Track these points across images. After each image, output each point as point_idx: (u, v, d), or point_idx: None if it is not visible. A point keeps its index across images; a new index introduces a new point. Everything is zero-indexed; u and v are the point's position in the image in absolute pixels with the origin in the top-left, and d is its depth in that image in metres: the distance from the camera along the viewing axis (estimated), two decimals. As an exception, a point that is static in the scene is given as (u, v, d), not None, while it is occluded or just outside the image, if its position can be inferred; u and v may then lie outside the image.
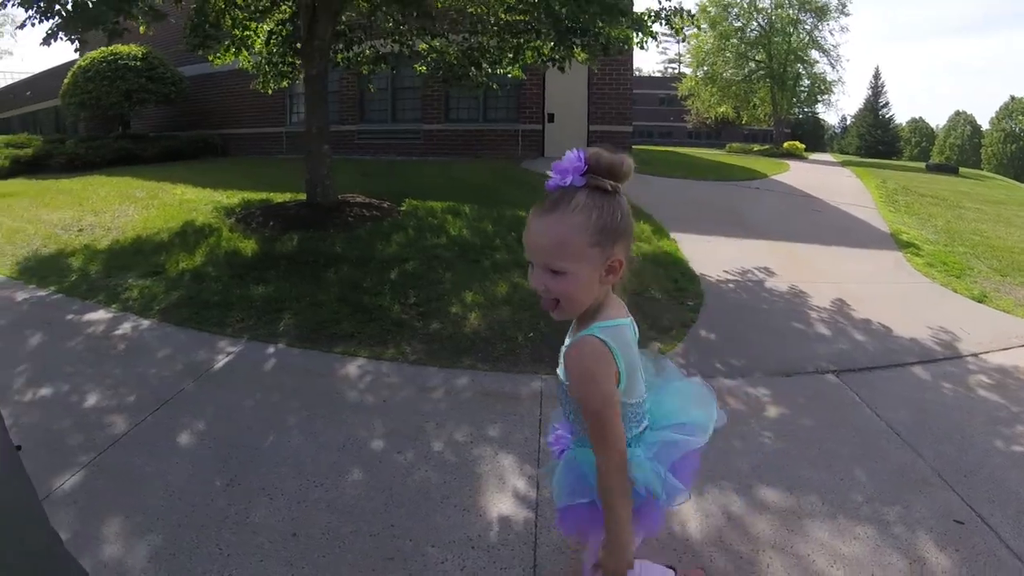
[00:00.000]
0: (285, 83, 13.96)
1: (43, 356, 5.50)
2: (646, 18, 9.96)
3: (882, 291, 7.88)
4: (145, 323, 6.25)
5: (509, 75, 12.55)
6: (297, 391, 4.74)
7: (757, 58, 40.50)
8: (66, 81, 23.49)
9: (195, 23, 10.16)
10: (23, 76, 49.76)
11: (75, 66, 23.29)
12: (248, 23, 11.50)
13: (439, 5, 11.18)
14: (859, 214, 13.32)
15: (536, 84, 19.45)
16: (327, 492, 3.39)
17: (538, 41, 10.93)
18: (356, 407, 4.46)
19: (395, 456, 3.76)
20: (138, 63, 22.47)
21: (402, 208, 10.97)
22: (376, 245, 8.55)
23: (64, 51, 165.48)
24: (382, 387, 4.78)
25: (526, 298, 6.38)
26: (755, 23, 40.18)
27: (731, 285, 7.83)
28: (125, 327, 6.16)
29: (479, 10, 10.97)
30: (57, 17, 8.65)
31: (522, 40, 11.08)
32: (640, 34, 10.12)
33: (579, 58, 11.07)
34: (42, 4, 8.76)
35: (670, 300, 6.94)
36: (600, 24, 9.72)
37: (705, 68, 42.13)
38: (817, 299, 7.29)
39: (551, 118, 20.51)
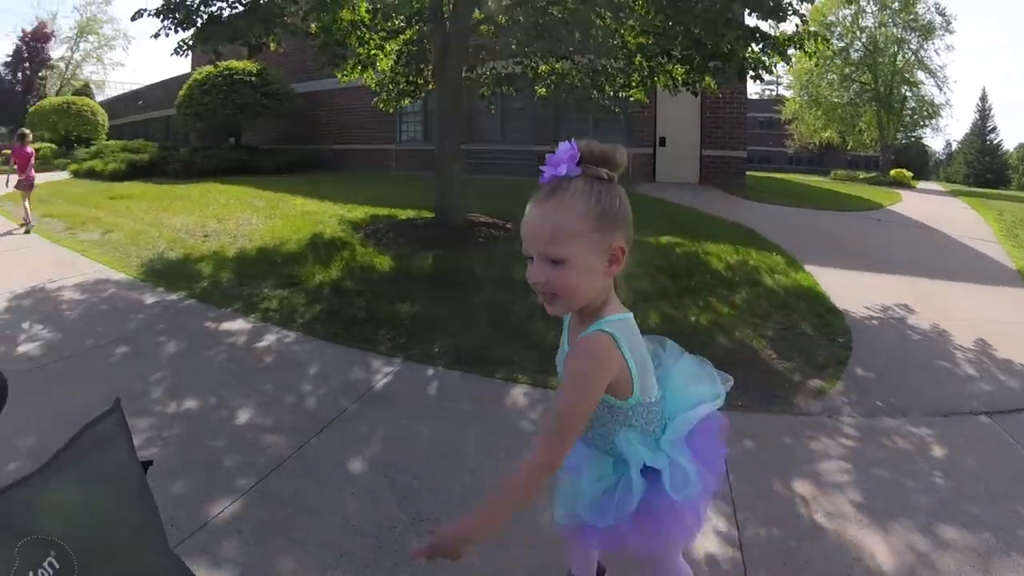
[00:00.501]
0: (406, 102, 13.93)
1: (183, 364, 5.30)
2: (783, 42, 9.56)
3: (1021, 331, 7.39)
4: (289, 335, 6.00)
5: (631, 99, 12.28)
6: (469, 418, 4.40)
7: (862, 79, 38.73)
8: (181, 93, 24.26)
9: (324, 42, 10.28)
10: (134, 87, 51.96)
11: (190, 79, 24.08)
12: (373, 43, 11.46)
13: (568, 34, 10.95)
14: (982, 248, 12.54)
15: (648, 107, 19.01)
16: (523, 531, 3.01)
17: (670, 65, 10.61)
18: (531, 433, 4.20)
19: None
20: (253, 78, 23.08)
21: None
22: (513, 266, 8.34)
23: (176, 65, 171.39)
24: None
25: (677, 331, 6.01)
26: (858, 43, 38.58)
27: (875, 322, 7.33)
28: (268, 338, 5.93)
29: (606, 33, 10.69)
30: (192, 29, 9.10)
31: (654, 64, 10.77)
32: (773, 58, 9.72)
33: (708, 84, 10.78)
34: (178, 16, 9.12)
35: (820, 336, 6.51)
36: (740, 49, 9.38)
37: (808, 91, 40.42)
38: (958, 338, 6.77)
39: (662, 142, 20.06)
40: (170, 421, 4.27)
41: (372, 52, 11.65)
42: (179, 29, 9.30)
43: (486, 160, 21.35)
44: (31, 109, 37.90)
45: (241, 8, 9.39)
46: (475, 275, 7.90)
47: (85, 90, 45.51)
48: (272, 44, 10.01)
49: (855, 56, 38.39)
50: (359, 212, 11.95)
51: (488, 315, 6.52)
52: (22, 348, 5.62)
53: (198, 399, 4.59)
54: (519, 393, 4.90)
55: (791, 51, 9.65)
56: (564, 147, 1.66)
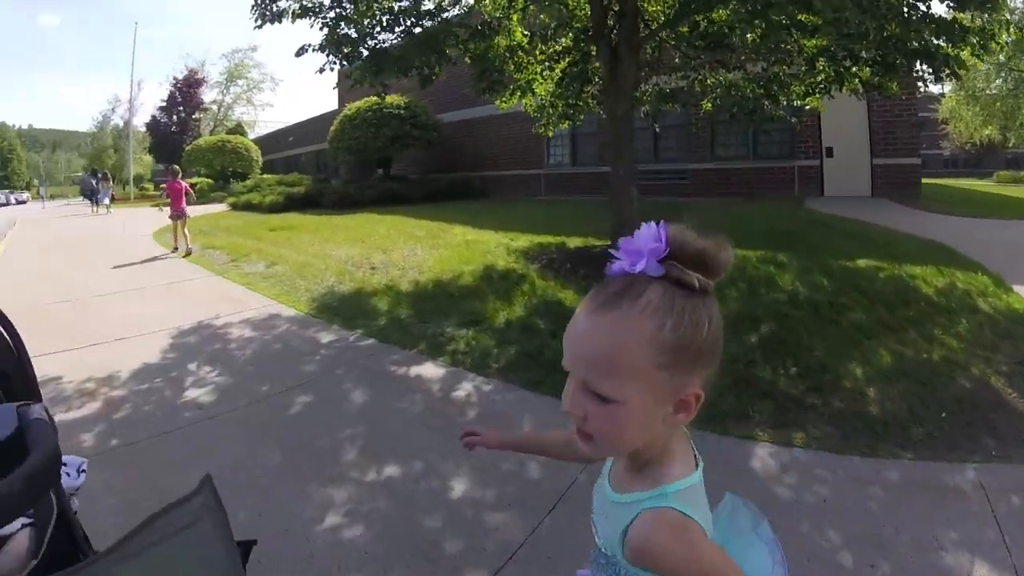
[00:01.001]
0: (565, 124, 13.27)
1: (374, 417, 4.62)
2: (976, 33, 8.27)
3: None
4: (487, 385, 5.23)
5: (807, 107, 11.19)
6: (722, 483, 3.57)
7: (1020, 67, 33.88)
8: (333, 128, 24.90)
9: (482, 69, 10.02)
10: (281, 125, 54.54)
11: (341, 115, 24.67)
12: (532, 67, 10.98)
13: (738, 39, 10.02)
14: None
15: (812, 115, 17.47)
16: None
17: (856, 67, 9.48)
18: (795, 507, 3.50)
19: (867, 571, 2.95)
20: (401, 111, 23.30)
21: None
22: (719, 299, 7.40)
23: (322, 103, 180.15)
24: (810, 480, 3.80)
25: (918, 370, 5.25)
26: (1012, 26, 33.45)
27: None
28: (465, 387, 5.18)
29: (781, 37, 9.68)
30: (359, 61, 9.05)
31: (840, 68, 9.67)
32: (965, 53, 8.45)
33: (890, 88, 9.64)
34: (344, 50, 8.98)
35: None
36: (939, 44, 8.19)
37: (964, 85, 35.21)
38: None
39: (829, 152, 18.31)
40: (369, 492, 3.58)
41: (530, 77, 11.21)
42: (344, 63, 9.24)
43: (640, 182, 20.35)
44: (188, 148, 39.91)
45: (404, 39, 9.25)
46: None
47: (238, 129, 47.93)
48: (438, 74, 9.64)
49: (1008, 42, 33.98)
50: (523, 240, 11.28)
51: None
52: (190, 393, 5.12)
53: (400, 463, 3.89)
54: (764, 453, 4.11)
55: (985, 44, 8.41)
56: (647, 233, 1.11)
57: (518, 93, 11.68)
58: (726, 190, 18.94)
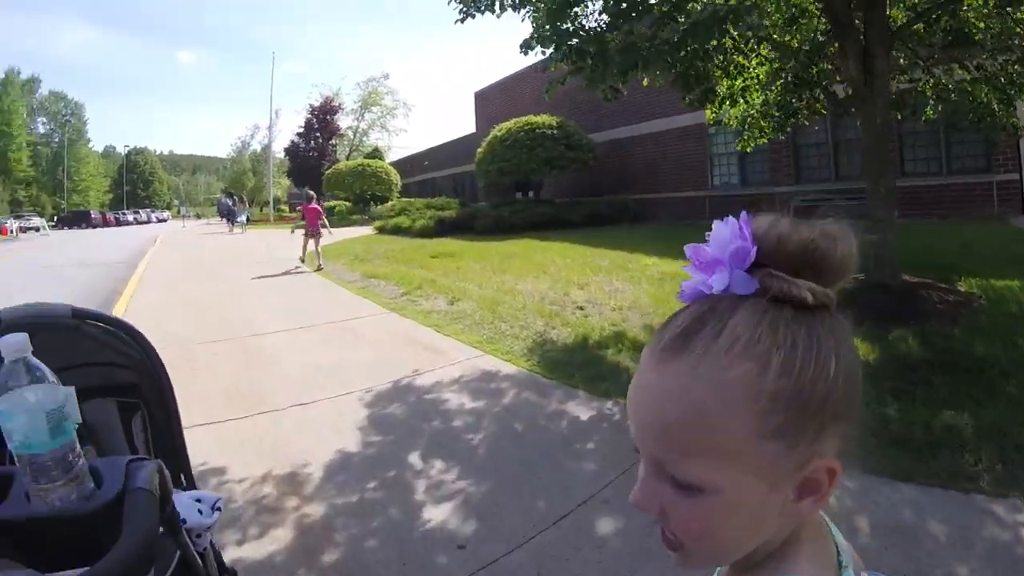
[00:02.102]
0: (764, 140, 11.38)
1: None
2: None
3: None
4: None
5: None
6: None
7: None
8: (480, 151, 23.52)
9: (692, 76, 8.72)
10: (414, 150, 54.22)
11: (490, 137, 23.26)
12: (749, 71, 9.45)
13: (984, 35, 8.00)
14: None
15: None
16: None
17: None
18: None
19: None
20: (554, 131, 21.70)
21: (967, 290, 7.53)
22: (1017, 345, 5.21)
23: (456, 127, 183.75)
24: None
25: None
26: None
27: None
28: None
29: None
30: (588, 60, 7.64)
31: None
32: None
33: None
34: (574, 57, 7.71)
35: None
36: None
37: None
38: None
39: (1032, 164, 15.42)
40: None
41: (746, 83, 9.70)
42: (574, 60, 7.76)
43: (819, 203, 18.01)
44: (328, 172, 39.97)
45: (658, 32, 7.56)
46: (989, 359, 4.87)
47: (375, 154, 47.92)
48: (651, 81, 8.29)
49: None
50: None
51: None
52: (430, 516, 3.30)
53: None
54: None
55: None
56: (724, 231, 0.69)
57: (727, 102, 10.04)
58: (914, 210, 16.29)
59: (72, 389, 1.07)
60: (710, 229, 0.70)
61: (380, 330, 7.45)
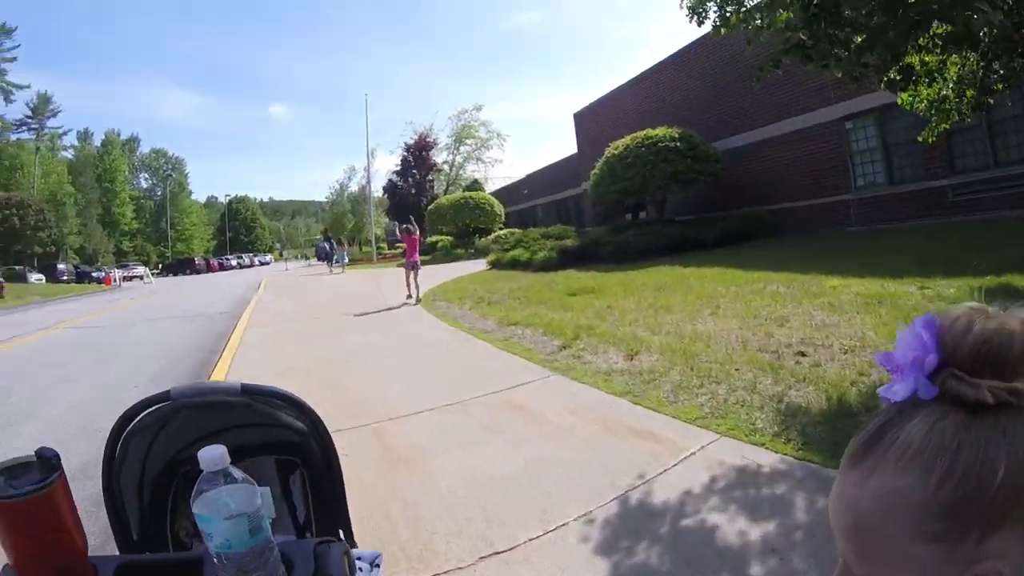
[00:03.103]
0: (944, 125, 9.71)
1: None
2: None
3: None
4: None
5: None
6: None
7: None
8: (595, 172, 21.83)
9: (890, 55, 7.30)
10: (509, 180, 54.28)
11: (605, 156, 21.53)
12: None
13: None
14: None
15: None
16: None
17: None
18: None
19: None
20: (677, 143, 19.66)
21: None
22: None
23: (549, 153, 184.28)
24: None
25: None
26: None
27: None
28: None
29: None
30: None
31: None
32: None
33: None
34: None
35: None
36: None
37: None
38: None
39: None
40: None
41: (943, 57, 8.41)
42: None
43: (979, 195, 15.67)
44: (430, 208, 39.15)
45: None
46: None
47: (475, 185, 46.85)
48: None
49: None
50: (950, 287, 7.99)
51: None
52: None
53: None
54: None
55: None
56: (907, 339, 0.70)
57: (923, 81, 8.81)
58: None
59: (267, 490, 1.19)
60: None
61: (557, 405, 5.70)
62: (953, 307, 0.68)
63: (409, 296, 14.45)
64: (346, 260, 37.26)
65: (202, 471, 1.09)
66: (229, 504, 1.07)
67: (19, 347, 13.41)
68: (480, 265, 23.32)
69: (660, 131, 20.09)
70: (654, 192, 19.80)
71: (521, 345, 8.22)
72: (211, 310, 18.14)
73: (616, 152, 20.57)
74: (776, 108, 19.88)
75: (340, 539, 1.49)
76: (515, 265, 18.77)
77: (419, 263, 15.02)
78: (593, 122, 32.92)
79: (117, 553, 1.48)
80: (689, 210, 22.92)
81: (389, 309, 13.82)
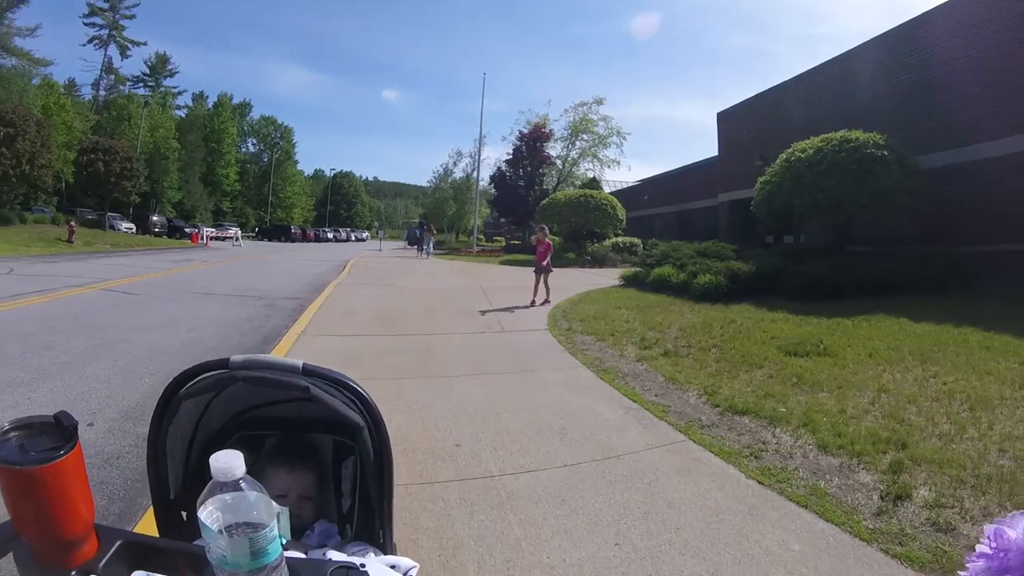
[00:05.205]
0: None
1: None
2: None
3: None
4: None
5: None
6: None
7: None
8: (764, 179, 17.15)
9: None
10: (625, 184, 52.11)
11: (781, 158, 16.85)
12: None
13: None
14: None
15: None
16: None
17: None
18: None
19: None
20: (884, 151, 14.88)
21: None
22: None
23: (670, 159, 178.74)
24: None
25: None
26: None
27: None
28: None
29: None
30: None
31: None
32: None
33: None
34: None
35: None
36: None
37: None
38: None
39: None
40: None
41: None
42: None
43: None
44: (543, 203, 35.20)
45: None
46: None
47: (593, 184, 42.13)
48: None
49: None
50: None
51: None
52: None
53: None
54: None
55: None
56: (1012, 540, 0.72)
57: None
58: None
59: (286, 511, 1.09)
60: None
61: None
62: None
63: (535, 302, 13.27)
64: (431, 248, 36.81)
65: (213, 476, 1.01)
66: (232, 519, 0.99)
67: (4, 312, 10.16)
68: (605, 277, 19.36)
69: (858, 135, 15.49)
70: (854, 210, 15.09)
71: (799, 481, 4.22)
72: (280, 291, 14.71)
73: (804, 155, 15.94)
74: (981, 127, 15.23)
75: (379, 540, 1.58)
76: (663, 286, 14.61)
77: (548, 266, 13.89)
78: (741, 124, 28.37)
79: (151, 504, 1.57)
80: (869, 240, 17.99)
81: (506, 331, 10.08)
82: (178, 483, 1.54)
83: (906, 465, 4.34)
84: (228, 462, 1.00)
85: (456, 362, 7.77)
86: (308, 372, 1.47)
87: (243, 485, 1.01)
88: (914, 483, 4.11)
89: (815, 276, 12.72)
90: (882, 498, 3.97)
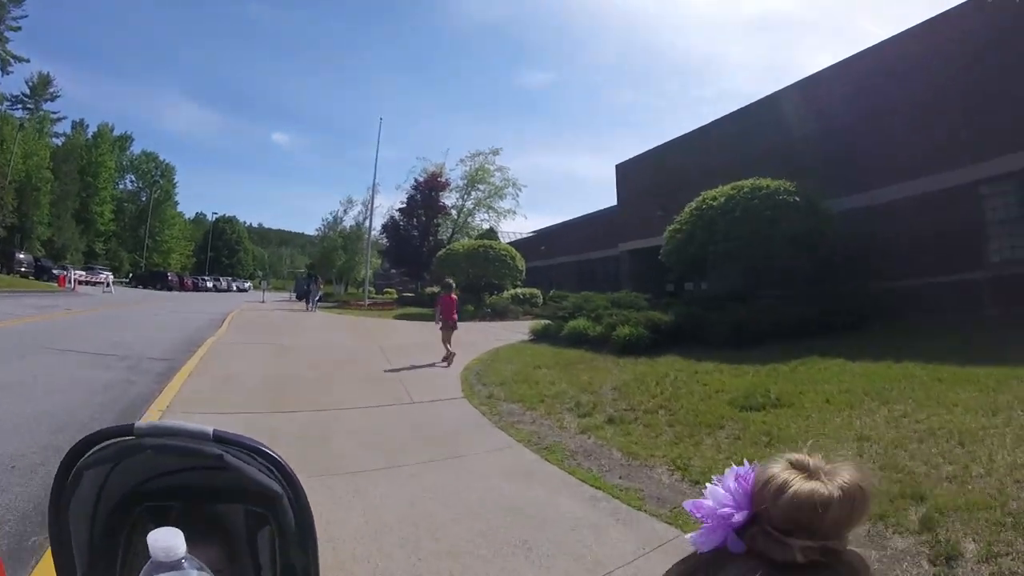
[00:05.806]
0: None
1: None
2: None
3: None
4: None
5: None
6: None
7: None
8: (675, 227, 16.95)
9: None
10: (519, 235, 52.00)
11: (692, 204, 16.79)
12: None
13: None
14: None
15: None
16: None
17: None
18: None
19: None
20: (795, 198, 14.99)
21: None
22: None
23: (567, 209, 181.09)
24: None
25: None
26: None
27: None
28: None
29: None
30: None
31: None
32: None
33: None
34: None
35: None
36: None
37: None
38: None
39: None
40: None
41: None
42: None
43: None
44: (440, 254, 34.39)
45: None
46: None
47: (489, 235, 41.66)
48: None
49: None
50: None
51: None
52: None
53: None
54: None
55: None
56: (718, 490, 0.78)
57: None
58: None
59: None
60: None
61: None
62: (773, 461, 0.73)
63: (444, 359, 12.61)
64: (317, 300, 35.80)
65: (151, 556, 0.99)
66: None
67: None
68: (511, 331, 18.46)
69: (767, 182, 15.62)
70: (771, 255, 14.94)
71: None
72: (150, 349, 12.44)
73: (716, 203, 15.84)
74: (883, 172, 16.12)
75: None
76: (579, 340, 13.72)
77: (455, 323, 13.62)
78: (639, 177, 28.81)
79: None
80: (778, 284, 17.68)
81: (415, 401, 8.89)
82: (84, 563, 1.36)
83: (936, 519, 4.06)
84: (168, 541, 0.98)
85: (363, 450, 6.32)
86: (219, 439, 1.35)
87: (185, 564, 0.99)
88: (955, 538, 3.86)
89: (737, 323, 12.25)
90: (932, 563, 3.70)
